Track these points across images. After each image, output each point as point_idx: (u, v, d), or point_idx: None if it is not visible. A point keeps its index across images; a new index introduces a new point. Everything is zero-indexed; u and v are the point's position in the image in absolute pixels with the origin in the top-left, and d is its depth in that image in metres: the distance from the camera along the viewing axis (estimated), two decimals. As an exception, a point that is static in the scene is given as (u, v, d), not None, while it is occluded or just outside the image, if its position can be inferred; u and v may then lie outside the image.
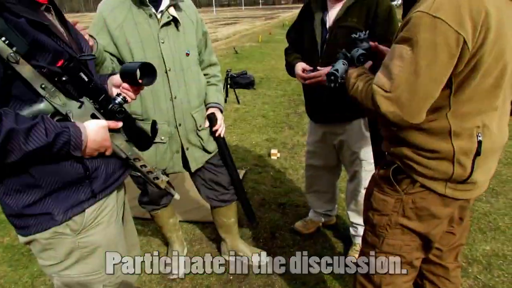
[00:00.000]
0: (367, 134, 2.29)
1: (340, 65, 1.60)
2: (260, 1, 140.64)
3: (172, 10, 1.96)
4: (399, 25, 1.36)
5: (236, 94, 6.76)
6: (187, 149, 2.18)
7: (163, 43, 1.94)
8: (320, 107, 2.41)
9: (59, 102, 1.17)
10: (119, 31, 1.90)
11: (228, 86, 6.90)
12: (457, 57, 1.19)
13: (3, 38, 1.01)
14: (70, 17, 1.43)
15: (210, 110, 2.24)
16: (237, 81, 7.54)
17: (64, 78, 1.16)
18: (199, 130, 2.20)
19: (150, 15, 1.92)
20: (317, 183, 2.79)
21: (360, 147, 2.38)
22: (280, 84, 8.02)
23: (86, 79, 1.21)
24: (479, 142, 1.33)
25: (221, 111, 2.30)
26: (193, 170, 2.24)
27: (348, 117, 2.35)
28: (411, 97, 1.25)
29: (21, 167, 1.17)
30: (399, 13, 1.69)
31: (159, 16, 1.94)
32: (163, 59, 1.96)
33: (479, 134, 1.33)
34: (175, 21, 1.98)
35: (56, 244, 1.30)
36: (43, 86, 1.12)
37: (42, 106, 1.15)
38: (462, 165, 1.36)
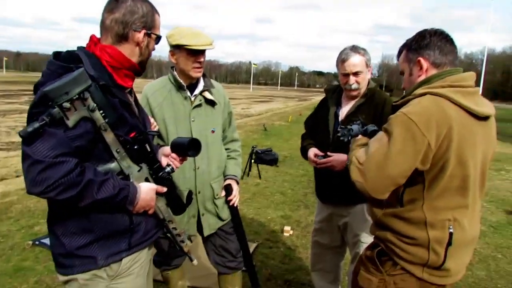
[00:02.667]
0: (369, 218, 2.47)
1: (356, 127, 1.89)
2: (296, 82, 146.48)
3: (206, 94, 2.37)
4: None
5: (258, 169, 7.05)
6: (203, 214, 2.41)
7: (193, 121, 2.31)
8: (328, 189, 2.63)
9: (125, 164, 1.49)
10: (159, 109, 2.31)
11: (252, 161, 7.22)
12: (422, 154, 1.45)
13: (101, 111, 1.36)
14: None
15: (228, 181, 2.51)
16: (261, 157, 7.88)
17: (136, 147, 1.49)
18: (215, 199, 2.46)
19: (185, 98, 2.33)
20: (322, 262, 2.91)
21: (362, 230, 2.54)
22: (302, 164, 8.28)
23: (149, 149, 1.55)
24: (450, 234, 1.52)
25: (237, 183, 2.56)
26: (205, 234, 2.45)
27: (352, 200, 2.54)
28: (376, 174, 1.51)
29: (82, 212, 1.43)
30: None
31: (193, 99, 2.35)
32: (192, 135, 2.31)
33: (451, 227, 1.53)
34: (210, 102, 2.37)
35: (91, 285, 1.51)
36: (118, 150, 1.45)
37: (112, 165, 1.46)
38: (436, 252, 1.54)
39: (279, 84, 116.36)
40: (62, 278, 1.52)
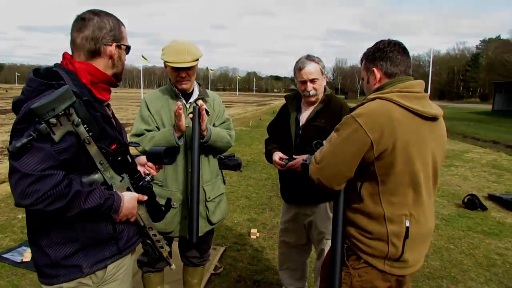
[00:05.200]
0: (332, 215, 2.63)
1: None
2: (254, 88, 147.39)
3: (200, 102, 2.50)
4: None
5: (223, 175, 7.09)
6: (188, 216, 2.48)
7: (187, 126, 2.42)
8: (292, 190, 2.77)
9: (108, 175, 1.54)
10: (157, 115, 2.50)
11: (217, 167, 7.26)
12: (365, 151, 1.63)
13: (85, 126, 1.41)
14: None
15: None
16: (225, 163, 7.96)
17: (119, 158, 1.55)
18: (207, 201, 2.58)
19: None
20: (289, 260, 3.04)
21: (326, 227, 2.69)
22: (265, 168, 8.44)
23: (130, 160, 1.62)
24: (407, 228, 1.68)
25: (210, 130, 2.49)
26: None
27: (316, 200, 2.70)
28: (329, 170, 1.69)
29: (68, 222, 1.47)
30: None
31: (188, 106, 2.52)
32: (186, 139, 2.45)
33: (407, 221, 1.69)
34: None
35: None
36: (101, 162, 1.50)
37: (96, 176, 1.51)
38: (395, 245, 1.70)
39: (237, 90, 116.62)
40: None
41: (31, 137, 1.30)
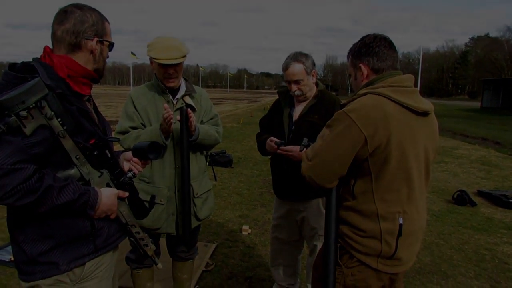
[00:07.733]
0: (324, 211, 2.62)
1: None
2: (245, 84, 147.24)
3: (187, 98, 2.50)
4: None
5: (214, 172, 7.05)
6: (180, 213, 2.48)
7: (174, 123, 2.37)
8: (285, 186, 2.75)
9: (86, 170, 1.50)
10: (143, 112, 2.46)
11: (207, 163, 7.24)
12: (359, 148, 1.60)
13: (59, 119, 1.37)
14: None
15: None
16: (216, 159, 7.93)
17: (95, 153, 1.50)
18: (195, 197, 2.54)
19: (168, 101, 2.46)
20: (281, 257, 3.03)
21: (319, 223, 2.69)
22: (256, 164, 8.44)
23: (109, 155, 1.57)
24: (400, 225, 1.66)
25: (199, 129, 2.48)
26: (180, 232, 2.52)
27: (308, 195, 2.69)
28: (321, 168, 1.66)
29: (42, 219, 1.43)
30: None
31: (175, 102, 2.50)
32: (173, 135, 2.42)
33: (400, 218, 1.67)
34: (191, 106, 2.49)
35: None
36: (77, 157, 1.46)
37: (72, 172, 1.47)
38: (388, 243, 1.68)
39: (228, 87, 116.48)
40: (25, 284, 1.52)
41: (0, 130, 1.26)
